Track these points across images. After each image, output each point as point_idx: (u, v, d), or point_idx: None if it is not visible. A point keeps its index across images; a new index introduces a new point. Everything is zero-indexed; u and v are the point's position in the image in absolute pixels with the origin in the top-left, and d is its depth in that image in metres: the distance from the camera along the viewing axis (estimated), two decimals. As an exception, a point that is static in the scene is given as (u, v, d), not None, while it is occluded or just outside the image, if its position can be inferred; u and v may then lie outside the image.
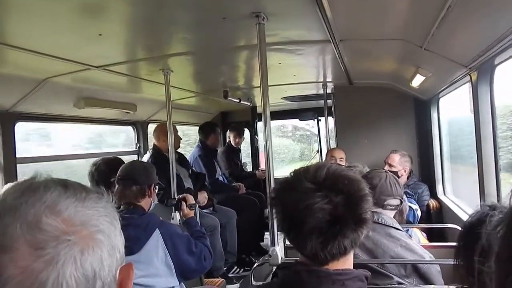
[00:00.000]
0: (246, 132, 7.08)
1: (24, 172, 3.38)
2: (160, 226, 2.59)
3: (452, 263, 1.42)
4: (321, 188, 1.26)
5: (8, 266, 0.61)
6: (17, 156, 3.34)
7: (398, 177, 4.51)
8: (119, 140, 5.67)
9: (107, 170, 3.13)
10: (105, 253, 0.69)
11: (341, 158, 4.75)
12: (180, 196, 3.46)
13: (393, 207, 2.43)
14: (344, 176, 1.30)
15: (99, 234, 0.69)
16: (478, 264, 0.91)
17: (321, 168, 1.32)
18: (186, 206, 3.30)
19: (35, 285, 0.61)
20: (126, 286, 0.74)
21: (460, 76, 3.16)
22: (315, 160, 7.37)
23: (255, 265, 2.63)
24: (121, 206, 2.58)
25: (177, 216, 3.38)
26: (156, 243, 2.52)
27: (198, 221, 3.60)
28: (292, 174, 1.38)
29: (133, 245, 2.41)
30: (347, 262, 1.31)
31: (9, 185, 2.27)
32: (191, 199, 3.36)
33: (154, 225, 2.55)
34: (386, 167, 4.38)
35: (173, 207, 3.53)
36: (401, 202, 2.47)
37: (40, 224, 0.64)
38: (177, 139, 4.70)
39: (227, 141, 6.56)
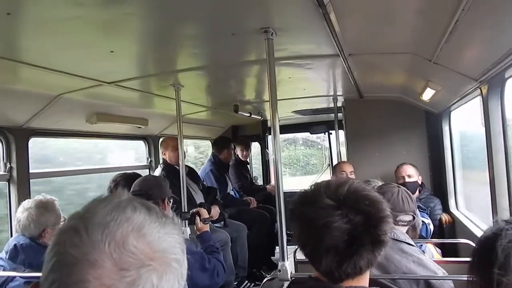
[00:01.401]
0: (254, 145, 7.10)
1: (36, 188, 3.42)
2: None
3: (466, 279, 1.40)
4: (341, 206, 1.24)
5: (93, 281, 0.63)
6: (30, 171, 3.39)
7: (422, 187, 4.53)
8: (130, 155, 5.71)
9: (126, 185, 3.15)
10: (176, 281, 0.71)
11: (351, 171, 4.73)
12: (194, 210, 3.45)
13: (405, 223, 2.40)
14: (365, 196, 1.28)
15: (175, 262, 0.71)
16: (498, 276, 0.90)
17: (342, 185, 1.30)
18: (200, 220, 3.28)
19: None
20: None
21: (471, 90, 3.15)
22: (326, 173, 7.33)
23: (265, 280, 2.61)
24: None
25: (187, 230, 3.37)
26: None
27: (210, 236, 3.59)
28: (312, 187, 1.36)
29: None
30: (361, 281, 1.29)
31: (27, 201, 2.27)
32: (205, 213, 3.33)
33: None
34: (402, 180, 4.36)
35: (184, 222, 3.52)
36: (414, 218, 2.44)
37: (127, 245, 0.66)
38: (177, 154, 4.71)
39: (235, 154, 6.56)
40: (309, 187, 1.37)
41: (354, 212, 1.23)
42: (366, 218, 1.24)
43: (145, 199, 2.28)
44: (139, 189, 2.72)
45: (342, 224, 1.21)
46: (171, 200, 2.88)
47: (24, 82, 2.93)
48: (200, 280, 2.62)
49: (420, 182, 4.54)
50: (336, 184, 1.31)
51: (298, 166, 11.17)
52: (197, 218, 3.29)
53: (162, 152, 4.74)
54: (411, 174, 4.48)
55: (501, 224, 1.32)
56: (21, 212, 2.74)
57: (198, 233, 3.23)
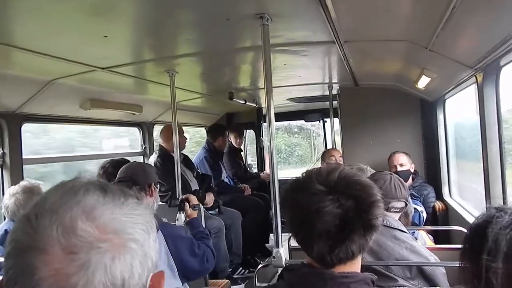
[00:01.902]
0: (249, 133, 7.10)
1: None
2: (162, 227, 2.58)
3: (458, 265, 1.41)
4: (333, 192, 1.25)
5: (41, 268, 0.63)
6: (24, 157, 3.37)
7: (415, 175, 4.56)
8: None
9: (115, 172, 3.14)
10: (137, 262, 0.70)
11: (340, 156, 4.83)
12: (183, 196, 3.46)
13: (398, 210, 2.42)
14: (356, 181, 1.29)
15: (132, 242, 0.70)
16: (487, 262, 0.91)
17: (333, 171, 1.30)
18: (190, 207, 3.30)
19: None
20: None
21: (466, 78, 3.14)
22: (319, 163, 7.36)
23: (259, 267, 2.63)
24: None
25: (182, 217, 3.38)
26: (158, 245, 2.51)
27: (203, 222, 3.60)
28: (303, 174, 1.37)
29: None
30: (353, 266, 1.30)
31: (13, 187, 2.26)
32: (194, 199, 3.37)
33: (156, 227, 2.54)
34: (394, 169, 4.38)
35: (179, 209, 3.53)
36: (406, 205, 2.46)
37: (76, 229, 0.65)
38: (183, 140, 4.71)
39: (229, 142, 6.56)
40: (301, 174, 1.37)
41: (345, 197, 1.24)
42: (357, 202, 1.24)
43: (131, 185, 2.28)
44: (124, 176, 2.71)
45: (333, 209, 1.22)
46: (158, 186, 2.88)
47: (17, 67, 2.90)
48: (190, 265, 2.64)
49: (412, 170, 4.57)
50: (327, 170, 1.32)
51: (280, 158, 10.28)
52: (186, 204, 3.31)
53: (162, 140, 4.72)
54: (403, 162, 4.50)
55: (492, 211, 1.33)
56: (8, 198, 2.76)
57: (188, 219, 3.25)
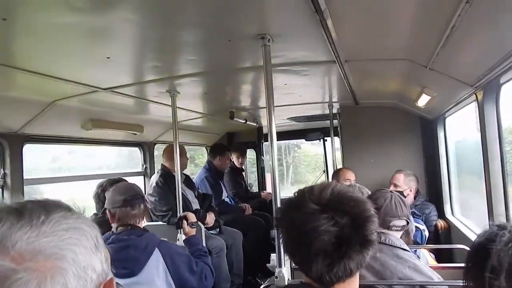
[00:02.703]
0: (249, 152, 7.10)
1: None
2: (159, 245, 2.58)
3: (461, 284, 1.40)
4: (327, 210, 1.24)
5: None
6: (25, 177, 3.37)
7: (404, 196, 4.52)
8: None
9: None
10: (71, 278, 0.65)
11: (354, 180, 4.69)
12: (182, 214, 3.46)
13: (399, 228, 2.40)
14: (349, 197, 1.29)
15: (59, 261, 0.65)
16: (489, 280, 0.90)
17: (325, 188, 1.30)
18: (188, 225, 3.29)
19: None
20: None
21: (466, 96, 3.16)
22: (321, 180, 7.34)
23: (261, 287, 2.60)
24: (118, 228, 2.58)
25: (182, 237, 3.37)
26: (156, 263, 2.51)
27: (204, 242, 3.58)
28: (296, 194, 1.37)
29: (133, 267, 2.40)
30: (352, 284, 1.29)
31: None
32: (192, 217, 3.36)
33: (153, 245, 2.54)
34: (392, 188, 4.36)
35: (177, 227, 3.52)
36: (407, 223, 2.44)
37: None
38: (185, 160, 4.71)
39: (231, 161, 6.56)
40: (294, 194, 1.37)
41: (340, 214, 1.24)
42: (352, 219, 1.24)
43: (141, 203, 2.29)
44: (135, 194, 2.72)
45: (329, 227, 1.22)
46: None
47: (18, 88, 2.92)
48: (188, 282, 2.63)
49: (413, 190, 4.53)
50: (319, 188, 1.32)
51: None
52: (184, 222, 3.30)
53: (164, 159, 4.72)
54: (398, 183, 4.47)
55: (494, 229, 1.33)
56: None
57: (185, 237, 3.24)
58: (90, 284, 0.68)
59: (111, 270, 0.75)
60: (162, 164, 4.73)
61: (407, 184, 4.50)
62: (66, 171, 4.66)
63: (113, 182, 3.37)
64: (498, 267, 0.64)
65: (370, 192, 2.42)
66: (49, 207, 0.71)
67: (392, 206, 2.41)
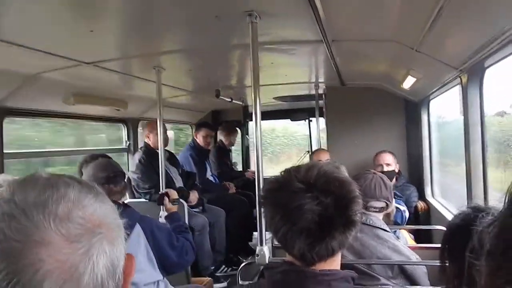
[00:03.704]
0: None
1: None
2: (140, 220, 2.58)
3: (439, 264, 1.43)
4: (312, 189, 1.25)
5: (47, 260, 0.61)
6: (5, 151, 3.31)
7: (399, 175, 4.59)
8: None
9: None
10: (122, 245, 0.72)
11: (327, 159, 4.78)
12: (163, 191, 3.46)
13: (377, 210, 2.42)
14: (335, 177, 1.30)
15: (117, 228, 0.73)
16: (469, 260, 0.92)
17: (312, 168, 1.31)
18: (169, 201, 3.30)
19: (73, 277, 0.62)
20: (130, 273, 0.76)
21: (451, 79, 3.19)
22: (305, 160, 7.38)
23: (242, 265, 2.63)
24: None
25: (164, 213, 3.37)
26: (137, 238, 2.52)
27: (187, 220, 3.59)
28: (282, 173, 1.37)
29: None
30: (334, 263, 1.31)
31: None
32: (174, 194, 3.37)
33: (134, 220, 2.55)
34: (380, 168, 4.41)
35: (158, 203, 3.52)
36: (387, 205, 2.46)
37: (72, 218, 0.65)
38: (166, 137, 4.68)
39: (218, 140, 6.53)
40: (280, 173, 1.38)
41: (325, 194, 1.24)
42: (336, 199, 1.25)
43: (122, 180, 2.30)
44: (118, 170, 2.72)
45: (313, 206, 1.23)
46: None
47: (-1, 60, 2.84)
48: (169, 257, 2.65)
49: (397, 170, 4.62)
50: (306, 168, 1.32)
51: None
52: (166, 198, 3.31)
53: (146, 135, 4.70)
54: (390, 162, 4.55)
55: (472, 211, 1.36)
56: None
57: (167, 213, 3.25)
58: (124, 254, 0.74)
59: None
60: (144, 141, 4.70)
61: (396, 164, 4.58)
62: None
63: (92, 158, 3.35)
64: (479, 247, 0.66)
65: (345, 169, 2.44)
66: (92, 184, 0.77)
67: (371, 187, 2.43)
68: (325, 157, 4.77)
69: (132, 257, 0.77)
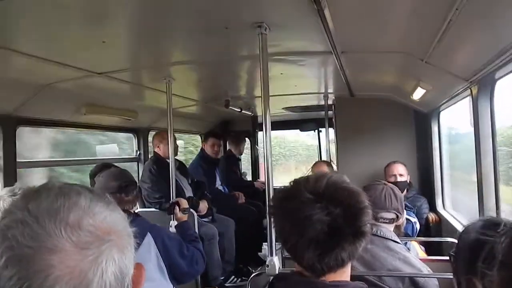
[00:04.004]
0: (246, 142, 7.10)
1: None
2: (151, 229, 2.59)
3: (450, 276, 1.42)
4: (321, 199, 1.25)
5: (57, 266, 0.64)
6: (17, 160, 3.35)
7: (409, 186, 4.57)
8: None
9: None
10: (131, 253, 0.74)
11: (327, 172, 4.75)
12: (174, 200, 3.47)
13: (387, 221, 2.40)
14: (344, 188, 1.30)
15: (127, 236, 0.75)
16: (482, 270, 0.93)
17: (321, 178, 1.31)
18: (180, 210, 3.31)
19: (83, 283, 0.65)
20: (139, 282, 0.78)
21: (461, 90, 3.17)
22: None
23: (252, 275, 2.62)
24: None
25: (174, 223, 3.38)
26: (148, 247, 2.53)
27: (196, 229, 3.60)
28: (292, 183, 1.37)
29: None
30: (344, 274, 1.30)
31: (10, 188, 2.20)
32: (184, 203, 3.38)
33: (145, 229, 2.56)
34: (393, 178, 4.39)
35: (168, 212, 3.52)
36: (397, 216, 2.44)
37: (82, 226, 0.68)
38: (176, 147, 4.71)
39: (227, 150, 6.55)
40: (289, 183, 1.38)
41: (334, 204, 1.24)
42: (346, 209, 1.25)
43: (134, 190, 2.33)
44: (130, 180, 2.75)
45: (322, 217, 1.23)
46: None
47: (13, 70, 2.88)
48: (179, 266, 2.66)
49: (408, 182, 4.59)
50: (315, 178, 1.33)
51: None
52: (176, 208, 3.31)
53: (155, 145, 4.73)
54: (402, 173, 4.54)
55: (485, 223, 1.35)
56: None
57: (177, 222, 3.26)
58: (133, 263, 0.76)
59: None
60: (154, 151, 4.73)
61: (407, 175, 4.56)
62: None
63: (105, 167, 3.38)
64: (492, 258, 0.66)
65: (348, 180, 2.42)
66: (104, 194, 0.80)
67: (381, 198, 2.41)
68: (324, 169, 4.75)
69: (141, 266, 0.79)
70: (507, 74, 2.52)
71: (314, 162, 5.25)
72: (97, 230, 0.69)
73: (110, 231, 0.70)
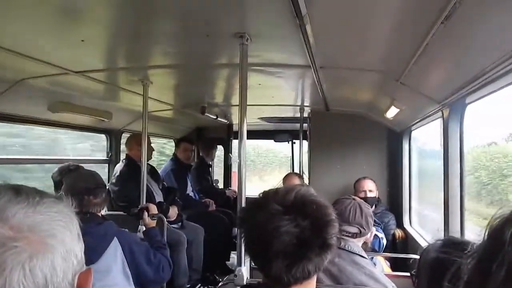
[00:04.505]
0: (218, 148, 7.09)
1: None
2: (118, 234, 2.56)
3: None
4: (290, 212, 1.27)
5: None
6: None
7: (378, 201, 4.64)
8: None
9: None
10: (58, 258, 0.68)
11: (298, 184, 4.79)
12: (143, 205, 3.42)
13: (350, 235, 2.42)
14: (312, 201, 1.32)
15: (50, 238, 0.68)
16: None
17: (290, 191, 1.33)
18: (148, 216, 3.26)
19: None
20: (85, 286, 0.73)
21: (433, 112, 3.26)
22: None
23: (220, 284, 2.62)
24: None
25: (143, 228, 3.33)
26: (114, 252, 2.49)
27: (165, 235, 3.56)
28: (261, 195, 1.39)
29: (91, 255, 2.37)
30: (309, 286, 1.32)
31: None
32: (153, 209, 3.34)
33: (112, 234, 2.52)
34: (363, 194, 4.46)
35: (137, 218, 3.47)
36: (360, 232, 2.46)
37: None
38: (150, 150, 4.67)
39: (199, 156, 6.53)
40: (259, 195, 1.40)
41: (302, 217, 1.26)
42: (313, 222, 1.27)
43: (103, 192, 2.29)
44: (100, 183, 2.71)
45: (290, 229, 1.24)
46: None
47: (-17, 63, 2.81)
48: (145, 272, 2.63)
49: (377, 197, 4.67)
50: (284, 190, 1.34)
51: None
52: (145, 213, 3.27)
53: (129, 148, 4.66)
54: (372, 189, 4.62)
55: (442, 243, 1.39)
56: None
57: (145, 228, 3.22)
58: (71, 269, 0.71)
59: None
60: (126, 154, 4.67)
61: (376, 190, 4.64)
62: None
63: (70, 169, 3.32)
64: (457, 279, 0.69)
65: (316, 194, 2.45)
66: (43, 192, 0.75)
67: (346, 212, 2.44)
68: (295, 182, 4.78)
69: (89, 272, 0.75)
70: (477, 99, 2.60)
71: (285, 175, 5.27)
72: (3, 235, 0.63)
73: (20, 236, 0.65)
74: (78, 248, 0.74)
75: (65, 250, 0.70)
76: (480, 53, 2.04)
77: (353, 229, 2.43)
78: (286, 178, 5.01)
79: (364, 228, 2.45)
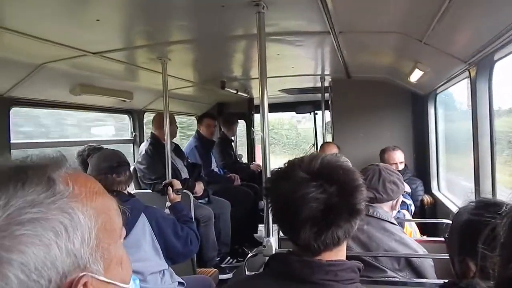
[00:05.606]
0: (240, 123, 7.07)
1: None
2: (145, 210, 2.60)
3: (444, 257, 1.43)
4: (316, 178, 1.25)
5: None
6: (11, 141, 3.32)
7: (405, 168, 4.58)
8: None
9: None
10: (13, 283, 0.58)
11: (335, 153, 4.73)
12: (167, 181, 3.46)
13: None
14: (338, 166, 1.30)
15: (1, 265, 0.58)
16: (483, 251, 0.92)
17: (315, 158, 1.31)
18: (173, 191, 3.30)
19: None
20: None
21: (459, 72, 3.16)
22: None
23: (248, 255, 2.63)
24: None
25: (169, 204, 3.38)
26: (142, 227, 2.53)
27: (192, 211, 3.60)
28: (286, 164, 1.37)
29: None
30: (339, 253, 1.30)
31: None
32: (177, 184, 3.37)
33: (139, 210, 2.56)
34: (394, 167, 4.38)
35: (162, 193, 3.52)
36: (375, 196, 2.36)
37: None
38: (174, 129, 4.69)
39: (220, 132, 6.53)
40: (284, 164, 1.38)
41: (329, 183, 1.24)
42: (341, 187, 1.25)
43: (127, 170, 2.31)
44: (123, 161, 2.73)
45: (318, 195, 1.22)
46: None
47: (6, 50, 2.82)
48: (173, 246, 2.67)
49: (404, 164, 4.62)
50: (309, 158, 1.32)
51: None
52: (169, 189, 3.31)
53: (154, 127, 4.69)
54: (402, 160, 4.58)
55: (474, 205, 1.36)
56: None
57: (171, 203, 3.26)
58: (48, 284, 0.61)
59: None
60: (151, 132, 4.70)
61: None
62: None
63: (95, 149, 3.35)
64: (492, 239, 0.66)
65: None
66: (24, 182, 0.64)
67: (364, 176, 2.38)
68: (332, 151, 4.73)
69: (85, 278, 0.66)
70: (506, 55, 2.50)
71: (321, 144, 5.20)
72: None
73: None
74: (62, 253, 0.63)
75: (27, 271, 0.59)
76: (507, 6, 1.94)
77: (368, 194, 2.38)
78: (323, 147, 4.96)
79: (380, 194, 2.37)
